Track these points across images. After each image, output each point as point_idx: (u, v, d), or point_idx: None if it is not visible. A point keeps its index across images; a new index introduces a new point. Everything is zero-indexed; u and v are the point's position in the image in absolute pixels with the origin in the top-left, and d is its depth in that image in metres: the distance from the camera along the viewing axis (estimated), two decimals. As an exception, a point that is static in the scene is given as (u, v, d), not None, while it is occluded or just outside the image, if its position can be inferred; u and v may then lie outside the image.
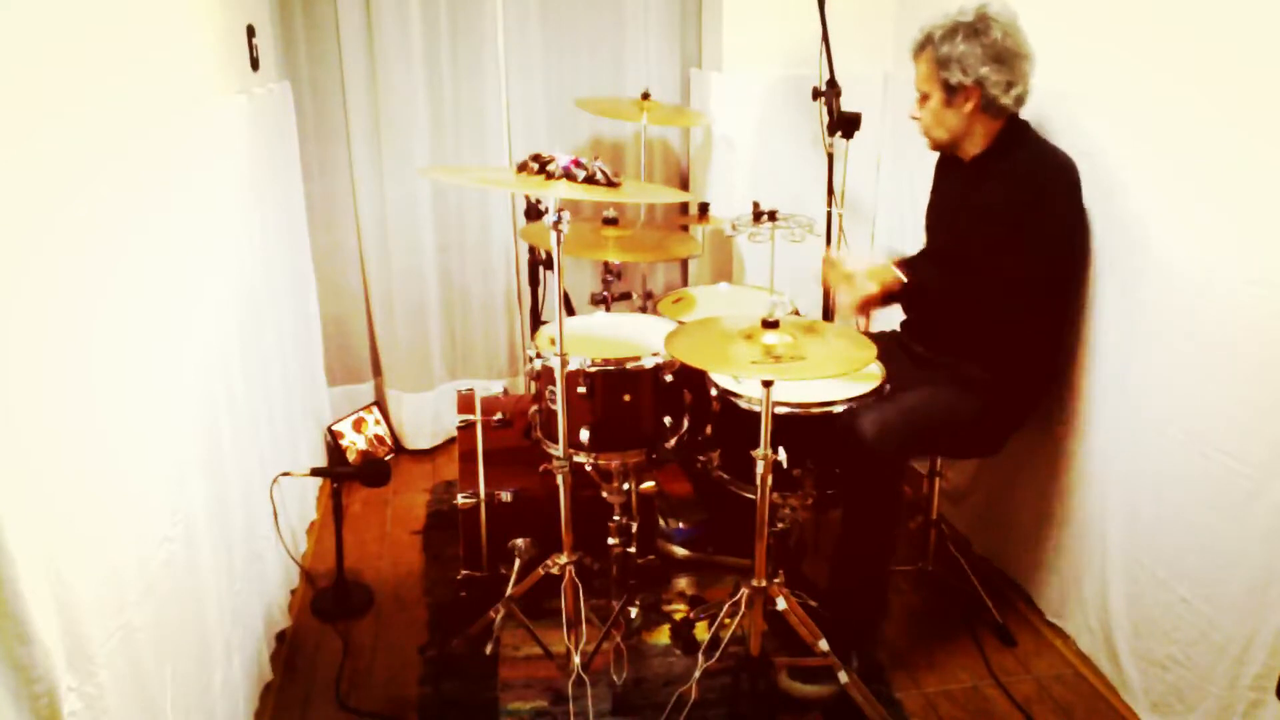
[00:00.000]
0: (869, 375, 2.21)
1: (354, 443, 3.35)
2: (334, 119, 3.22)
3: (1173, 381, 2.00)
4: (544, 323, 2.83)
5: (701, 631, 2.40)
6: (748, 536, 1.96)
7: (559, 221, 1.93)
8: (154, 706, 1.50)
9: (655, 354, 2.16)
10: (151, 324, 1.61)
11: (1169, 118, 1.98)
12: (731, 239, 3.28)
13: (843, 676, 2.02)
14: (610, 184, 1.96)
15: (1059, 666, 2.34)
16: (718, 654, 2.07)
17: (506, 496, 2.45)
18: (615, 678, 2.21)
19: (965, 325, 2.25)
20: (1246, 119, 1.78)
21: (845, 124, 2.69)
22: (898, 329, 2.52)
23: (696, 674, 2.03)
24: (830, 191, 2.83)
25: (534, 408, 2.26)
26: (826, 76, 2.75)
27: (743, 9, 3.14)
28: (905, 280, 2.20)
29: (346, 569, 2.59)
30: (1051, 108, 2.26)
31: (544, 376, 2.17)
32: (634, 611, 2.37)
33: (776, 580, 2.03)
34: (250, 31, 2.58)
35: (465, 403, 2.60)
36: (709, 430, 2.28)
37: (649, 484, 2.38)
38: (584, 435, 2.13)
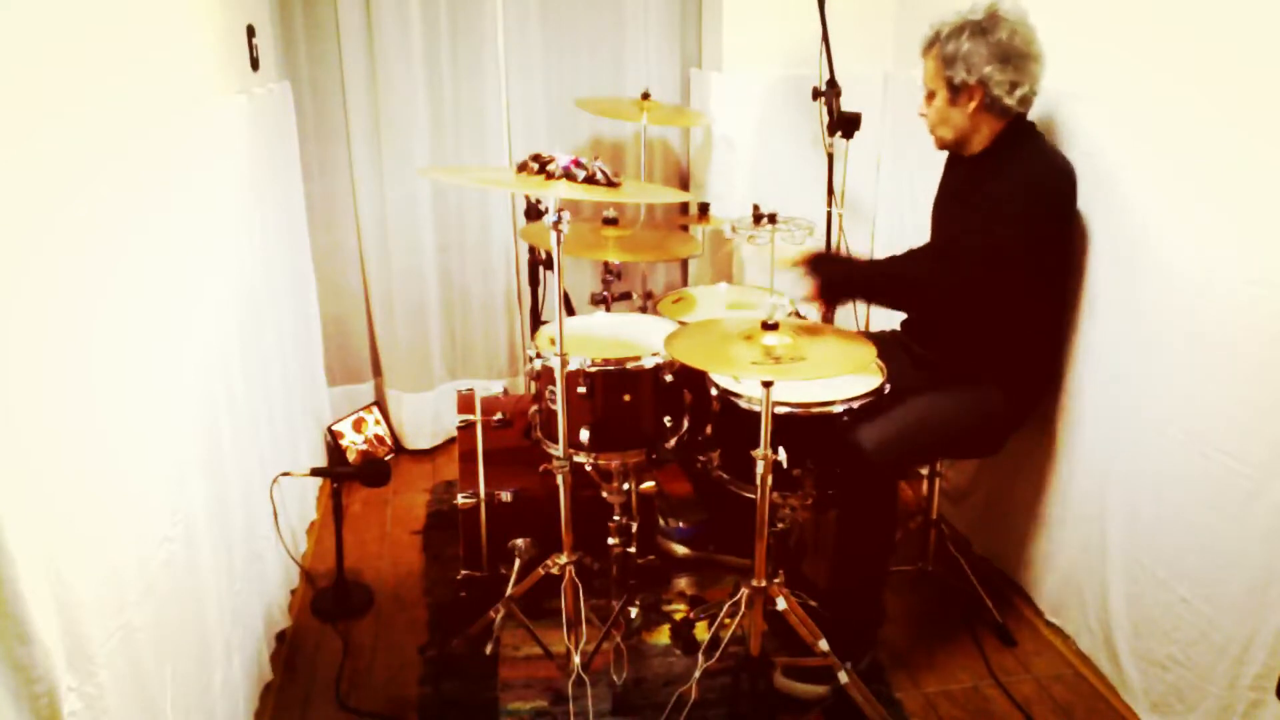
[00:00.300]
0: (870, 371, 2.21)
1: (354, 443, 3.35)
2: (334, 119, 3.22)
3: (1173, 381, 1.99)
4: (544, 323, 2.83)
5: (701, 631, 2.40)
6: (748, 536, 1.96)
7: (559, 221, 1.92)
8: (154, 706, 1.50)
9: (655, 354, 2.16)
10: (151, 324, 1.61)
11: (1169, 118, 1.97)
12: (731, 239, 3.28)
13: (843, 677, 2.02)
14: (610, 184, 1.96)
15: (1059, 666, 2.34)
16: (718, 654, 2.08)
17: (506, 496, 2.45)
18: (615, 678, 2.21)
19: (960, 320, 2.25)
20: (1246, 119, 1.78)
21: (845, 124, 2.69)
22: (898, 329, 2.52)
23: (696, 674, 2.03)
24: (830, 191, 2.84)
25: (534, 408, 2.26)
26: (826, 76, 2.75)
27: (743, 9, 3.14)
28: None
29: (346, 569, 2.59)
30: (1052, 107, 2.26)
31: (544, 376, 2.17)
32: (634, 611, 2.37)
33: (776, 580, 2.03)
34: (250, 31, 2.58)
35: (465, 403, 2.60)
36: (709, 430, 2.28)
37: (649, 484, 2.39)
38: (584, 435, 2.13)
